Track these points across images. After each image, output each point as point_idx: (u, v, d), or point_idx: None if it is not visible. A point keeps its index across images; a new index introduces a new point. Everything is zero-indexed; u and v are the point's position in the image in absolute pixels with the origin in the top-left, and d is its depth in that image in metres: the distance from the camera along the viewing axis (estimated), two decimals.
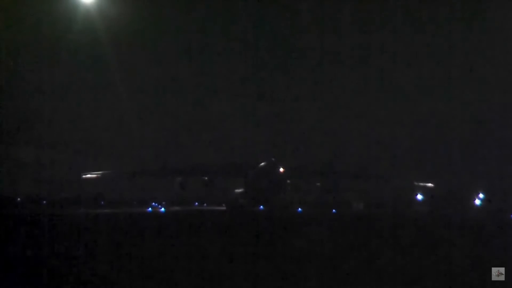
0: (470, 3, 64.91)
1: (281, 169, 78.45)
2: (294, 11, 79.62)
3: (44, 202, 74.00)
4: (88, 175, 77.56)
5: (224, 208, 79.54)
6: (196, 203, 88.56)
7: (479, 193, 78.26)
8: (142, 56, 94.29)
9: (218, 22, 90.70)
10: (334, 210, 68.48)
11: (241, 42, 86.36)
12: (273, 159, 79.88)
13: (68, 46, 63.83)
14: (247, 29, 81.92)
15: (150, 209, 70.16)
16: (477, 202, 78.10)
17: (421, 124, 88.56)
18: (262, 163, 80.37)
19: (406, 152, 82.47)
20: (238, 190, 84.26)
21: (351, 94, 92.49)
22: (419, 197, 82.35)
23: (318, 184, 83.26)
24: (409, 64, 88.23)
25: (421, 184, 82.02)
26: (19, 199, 73.45)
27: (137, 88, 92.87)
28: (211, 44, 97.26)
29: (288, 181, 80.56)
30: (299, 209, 72.36)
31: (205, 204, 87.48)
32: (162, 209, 70.84)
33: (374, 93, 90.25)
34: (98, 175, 78.09)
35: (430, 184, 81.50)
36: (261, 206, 77.66)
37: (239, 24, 79.97)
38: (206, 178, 79.63)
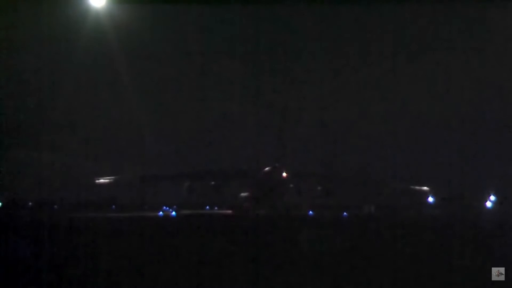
0: (470, 9, 64.64)
1: (284, 174, 79.58)
2: (297, 15, 79.40)
3: (55, 206, 73.92)
4: (101, 180, 78.22)
5: (230, 212, 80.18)
6: (208, 207, 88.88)
7: (490, 195, 77.60)
8: (151, 62, 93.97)
9: (224, 27, 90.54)
10: (345, 213, 68.84)
11: (245, 49, 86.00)
12: (276, 164, 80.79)
13: (80, 49, 63.66)
14: (251, 36, 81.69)
15: (161, 213, 70.50)
16: (488, 204, 77.44)
17: (419, 127, 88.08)
18: (266, 168, 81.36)
19: (404, 155, 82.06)
20: (243, 194, 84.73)
21: (352, 98, 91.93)
22: (430, 199, 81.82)
23: (319, 188, 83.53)
24: (408, 68, 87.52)
25: (417, 187, 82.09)
26: (30, 203, 73.31)
27: (148, 94, 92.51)
28: (218, 51, 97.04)
29: (291, 185, 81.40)
30: (310, 212, 73.08)
31: (216, 208, 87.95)
32: (173, 212, 71.24)
33: (374, 95, 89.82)
34: (111, 180, 78.76)
35: (425, 188, 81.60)
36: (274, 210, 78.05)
37: (244, 30, 79.66)
38: (213, 182, 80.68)
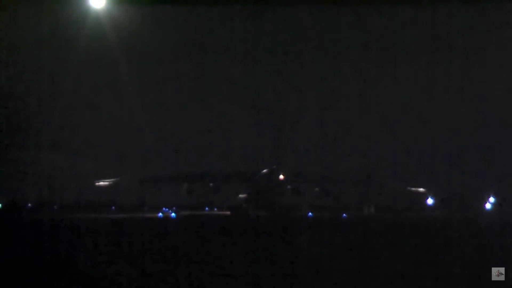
0: (471, 11, 64.65)
1: (281, 176, 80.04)
2: (297, 17, 79.53)
3: (55, 207, 73.82)
4: (101, 182, 78.55)
5: (228, 213, 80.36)
6: (207, 208, 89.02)
7: (489, 197, 77.50)
8: (151, 62, 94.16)
9: (224, 27, 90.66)
10: (344, 215, 69.01)
11: (245, 49, 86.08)
12: (274, 166, 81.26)
13: (80, 50, 63.55)
14: (251, 36, 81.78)
15: (161, 214, 70.72)
16: (488, 206, 77.32)
17: (418, 128, 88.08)
18: (264, 170, 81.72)
19: (404, 156, 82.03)
20: (241, 196, 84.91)
21: (350, 100, 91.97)
22: (430, 201, 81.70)
23: (317, 189, 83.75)
24: (408, 69, 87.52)
25: (416, 189, 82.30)
26: (30, 204, 73.18)
27: (149, 94, 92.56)
28: (218, 51, 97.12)
29: (289, 186, 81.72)
30: (309, 213, 73.40)
31: (215, 209, 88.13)
32: (173, 214, 71.48)
33: (374, 95, 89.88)
34: (111, 182, 79.12)
35: (422, 189, 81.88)
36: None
37: (244, 30, 79.75)
38: (212, 184, 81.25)
